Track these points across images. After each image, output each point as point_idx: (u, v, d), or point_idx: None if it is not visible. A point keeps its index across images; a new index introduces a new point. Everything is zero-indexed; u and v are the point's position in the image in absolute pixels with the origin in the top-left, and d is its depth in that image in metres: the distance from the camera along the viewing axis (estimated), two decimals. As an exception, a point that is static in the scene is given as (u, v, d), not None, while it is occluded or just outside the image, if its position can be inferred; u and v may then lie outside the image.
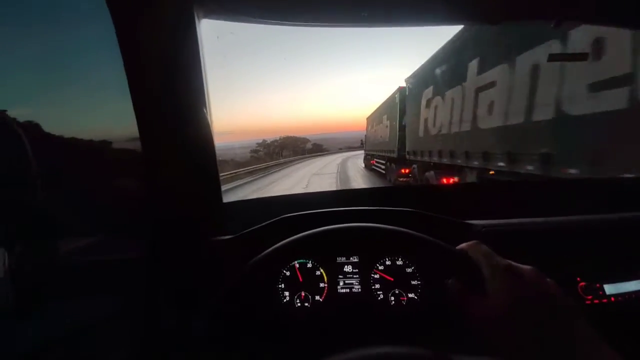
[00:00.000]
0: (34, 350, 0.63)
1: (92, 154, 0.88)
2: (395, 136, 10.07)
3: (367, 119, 18.77)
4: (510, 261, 0.45)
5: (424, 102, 7.41)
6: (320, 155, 60.04)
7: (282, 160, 38.26)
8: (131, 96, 0.77)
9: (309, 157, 52.93)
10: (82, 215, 0.88)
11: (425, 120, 7.30)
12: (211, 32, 0.88)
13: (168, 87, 0.80)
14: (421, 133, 7.64)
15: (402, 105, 9.54)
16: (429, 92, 7.09)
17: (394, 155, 10.23)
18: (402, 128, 9.53)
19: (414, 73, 8.36)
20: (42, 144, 0.82)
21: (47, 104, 0.78)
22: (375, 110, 15.60)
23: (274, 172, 23.60)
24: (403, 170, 9.61)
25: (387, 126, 12.02)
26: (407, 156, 8.97)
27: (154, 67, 0.78)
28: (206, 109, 0.84)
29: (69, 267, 0.85)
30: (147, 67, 0.78)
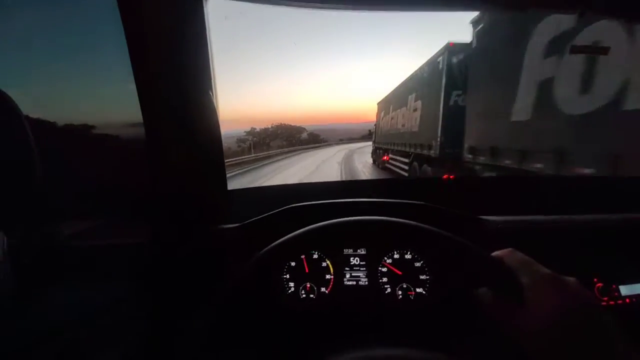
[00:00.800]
0: (35, 336, 0.61)
1: (96, 137, 0.85)
2: (435, 123, 6.35)
3: (379, 104, 14.62)
4: (551, 271, 0.43)
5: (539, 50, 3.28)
6: (316, 147, 47.70)
7: (261, 155, 27.81)
8: (135, 79, 0.74)
9: (302, 149, 40.93)
10: (84, 199, 0.86)
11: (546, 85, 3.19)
12: (219, 12, 0.84)
13: (173, 69, 0.76)
14: (525, 114, 3.58)
15: (454, 72, 5.91)
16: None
17: (432, 152, 6.58)
18: (452, 110, 5.92)
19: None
20: (45, 128, 0.79)
21: (50, 88, 0.75)
22: (394, 91, 11.29)
23: (244, 171, 16.47)
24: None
25: (415, 109, 8.16)
26: (467, 156, 5.16)
27: (159, 48, 0.74)
28: (212, 93, 0.80)
29: (70, 251, 0.83)
30: (152, 48, 0.74)
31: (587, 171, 2.71)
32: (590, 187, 1.04)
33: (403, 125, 9.46)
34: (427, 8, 0.95)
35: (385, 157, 11.88)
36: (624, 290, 0.72)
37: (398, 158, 9.90)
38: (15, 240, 0.69)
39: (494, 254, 0.48)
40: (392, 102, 11.44)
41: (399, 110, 10.30)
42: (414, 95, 8.38)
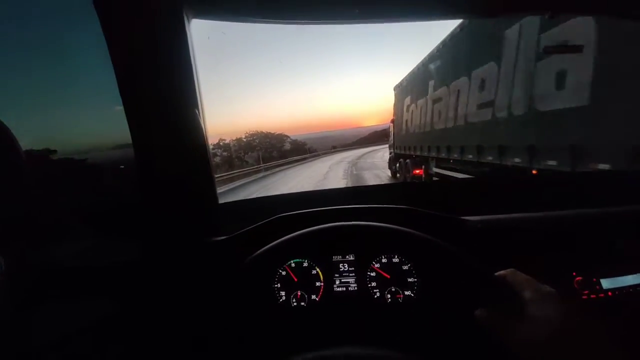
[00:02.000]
0: (29, 354, 0.63)
1: (84, 157, 0.88)
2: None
3: (399, 88, 9.67)
4: (552, 289, 0.47)
5: None
6: (299, 162, 29.73)
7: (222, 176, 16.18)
8: (121, 98, 0.77)
9: (279, 167, 24.57)
10: (76, 219, 0.88)
11: None
12: (202, 32, 0.87)
13: (159, 88, 0.79)
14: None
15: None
16: None
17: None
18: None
19: None
20: (35, 151, 0.82)
21: (37, 108, 0.78)
22: (432, 61, 6.82)
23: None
24: None
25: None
26: None
27: (144, 68, 0.78)
28: (198, 110, 0.83)
29: (64, 271, 0.85)
30: (137, 68, 0.77)
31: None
32: (568, 183, 1.06)
33: (477, 113, 5.00)
34: (404, 19, 0.98)
35: (417, 171, 7.82)
36: (606, 283, 0.73)
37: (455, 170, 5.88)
38: (11, 260, 0.70)
39: (498, 273, 0.52)
40: (437, 77, 6.51)
41: (457, 87, 5.58)
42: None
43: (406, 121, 9.02)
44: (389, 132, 11.24)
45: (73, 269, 0.84)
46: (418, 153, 7.92)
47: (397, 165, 9.98)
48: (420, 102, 7.80)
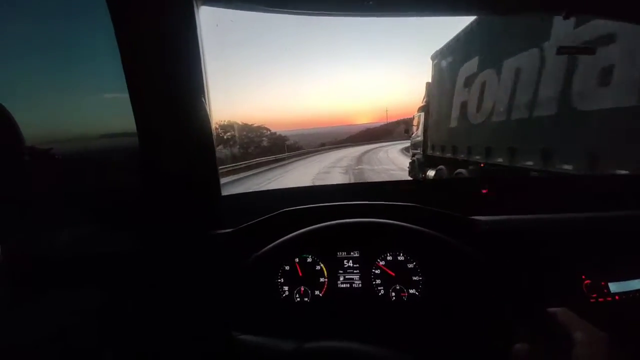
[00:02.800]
0: (26, 343, 0.61)
1: (88, 145, 0.86)
2: None
3: (444, 51, 5.70)
4: (605, 333, 0.45)
5: None
6: (271, 166, 17.89)
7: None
8: (127, 85, 0.75)
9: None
10: (76, 207, 0.86)
11: None
12: (210, 20, 0.85)
13: (166, 76, 0.77)
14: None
15: None
16: None
17: None
18: None
19: None
20: (37, 137, 0.79)
21: (39, 95, 0.76)
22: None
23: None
24: None
25: None
26: None
27: (152, 55, 0.76)
28: (205, 99, 0.81)
29: (63, 260, 0.83)
30: (144, 54, 0.75)
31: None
32: (578, 186, 1.05)
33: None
34: (416, 14, 0.96)
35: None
36: (614, 287, 0.73)
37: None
38: (10, 248, 0.69)
39: (550, 310, 0.51)
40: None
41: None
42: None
43: (461, 105, 5.08)
44: (412, 125, 7.57)
45: (73, 259, 0.82)
46: (489, 161, 4.26)
47: (431, 173, 6.27)
48: (507, 66, 3.89)
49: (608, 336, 0.44)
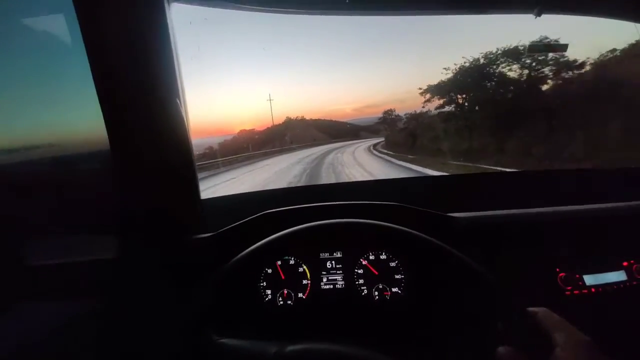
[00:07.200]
0: (5, 352, 0.58)
1: (58, 151, 0.82)
2: None
3: None
4: (587, 336, 0.45)
5: None
6: None
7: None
8: (95, 86, 0.71)
9: None
10: (50, 215, 0.82)
11: None
12: (183, 17, 0.82)
13: (137, 77, 0.74)
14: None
15: None
16: None
17: None
18: None
19: None
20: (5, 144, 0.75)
21: (7, 102, 0.71)
22: None
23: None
24: None
25: None
26: None
27: (120, 53, 0.72)
28: (179, 100, 0.79)
29: (38, 268, 0.80)
30: (113, 53, 0.72)
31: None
32: (553, 181, 1.08)
33: None
34: (392, 12, 0.96)
35: None
36: (589, 279, 0.75)
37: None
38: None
39: (530, 309, 0.50)
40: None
41: None
42: None
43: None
44: None
45: (50, 267, 0.79)
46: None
47: None
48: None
49: (590, 338, 0.44)
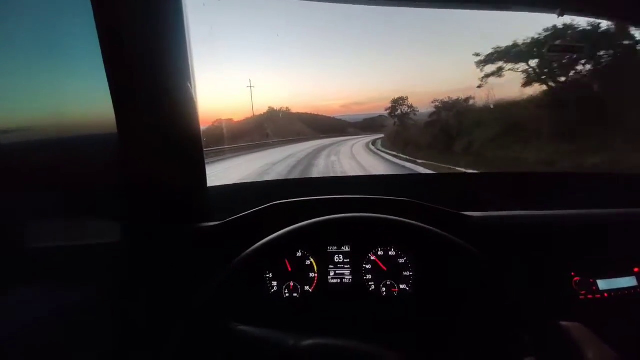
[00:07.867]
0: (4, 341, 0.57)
1: (64, 131, 0.80)
2: None
3: None
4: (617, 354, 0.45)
5: None
6: None
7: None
8: (106, 69, 0.69)
9: None
10: (53, 198, 0.81)
11: None
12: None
13: (148, 59, 0.72)
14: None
15: None
16: None
17: None
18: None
19: None
20: (8, 123, 0.73)
21: (13, 83, 0.68)
22: None
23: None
24: None
25: None
26: None
27: (132, 36, 0.70)
28: (191, 84, 0.77)
29: (38, 252, 0.78)
30: (124, 35, 0.70)
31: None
32: (571, 184, 1.06)
33: None
34: (408, 3, 0.94)
35: None
36: (602, 284, 0.73)
37: None
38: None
39: (563, 323, 0.50)
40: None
41: None
42: None
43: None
44: None
45: (49, 250, 0.77)
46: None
47: None
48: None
49: (619, 356, 0.43)
